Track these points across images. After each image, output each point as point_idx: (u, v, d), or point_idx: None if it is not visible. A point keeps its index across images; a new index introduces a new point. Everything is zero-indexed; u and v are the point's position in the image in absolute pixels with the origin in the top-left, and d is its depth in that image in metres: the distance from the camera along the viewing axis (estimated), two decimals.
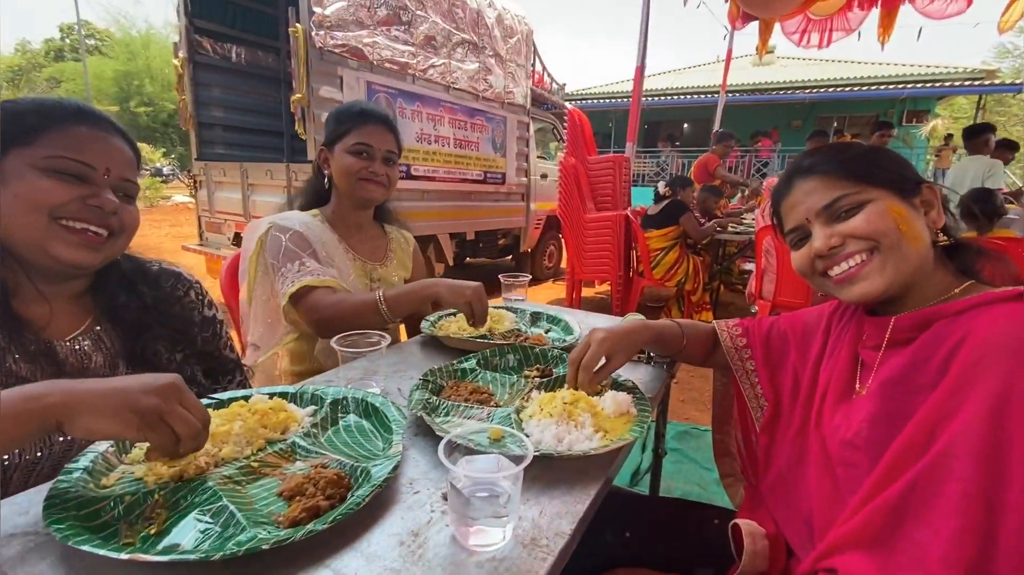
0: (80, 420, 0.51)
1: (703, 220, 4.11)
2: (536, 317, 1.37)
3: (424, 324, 1.24)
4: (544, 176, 5.89)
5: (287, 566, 0.49)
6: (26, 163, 0.69)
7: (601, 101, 15.34)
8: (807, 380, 0.85)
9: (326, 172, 1.35)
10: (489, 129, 4.78)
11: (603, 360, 0.87)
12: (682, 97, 14.20)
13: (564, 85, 6.36)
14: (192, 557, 0.46)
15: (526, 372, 1.00)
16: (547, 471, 0.67)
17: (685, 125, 15.92)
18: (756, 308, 3.42)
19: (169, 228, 9.83)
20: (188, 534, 0.51)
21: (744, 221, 4.49)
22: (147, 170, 20.78)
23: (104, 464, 0.61)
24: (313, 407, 0.79)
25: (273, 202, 3.76)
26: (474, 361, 1.01)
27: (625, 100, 14.06)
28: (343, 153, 1.29)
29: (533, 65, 5.40)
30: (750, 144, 11.86)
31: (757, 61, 16.29)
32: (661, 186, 4.13)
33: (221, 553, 0.46)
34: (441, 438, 0.71)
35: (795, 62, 15.81)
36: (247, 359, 1.32)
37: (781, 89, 13.38)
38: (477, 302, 1.11)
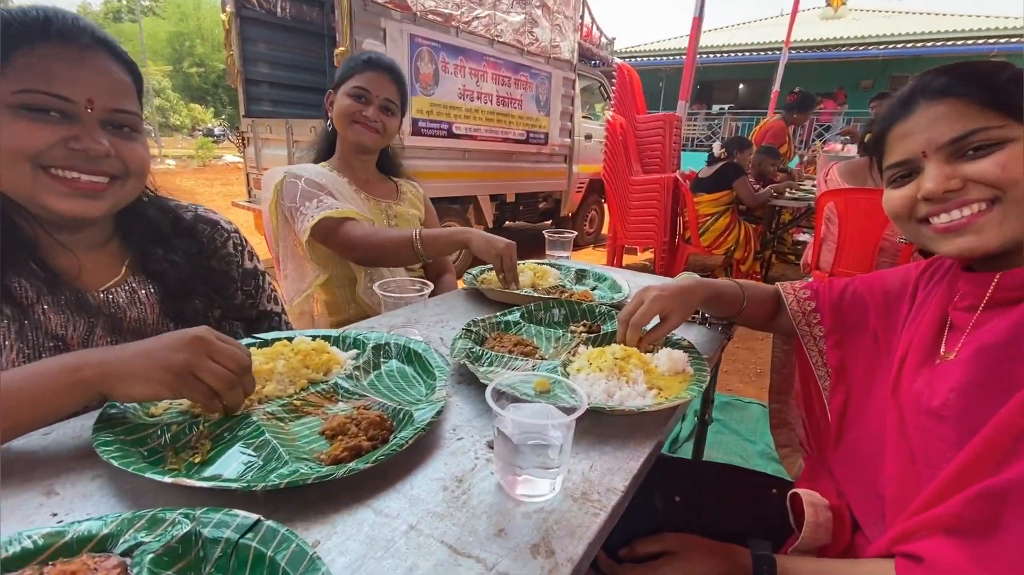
0: (119, 388, 0.51)
1: (758, 185, 3.87)
2: (581, 274, 1.32)
3: (467, 277, 1.21)
4: (588, 137, 5.67)
5: (328, 503, 0.48)
6: (1, 102, 0.60)
7: (651, 59, 14.55)
8: (890, 346, 0.76)
9: (329, 115, 1.36)
10: (533, 86, 4.61)
11: (656, 319, 0.81)
12: (738, 55, 13.29)
13: (614, 40, 6.02)
14: (235, 486, 0.45)
15: (572, 328, 0.95)
16: (597, 426, 0.63)
17: (740, 85, 14.98)
18: (812, 280, 3.23)
19: (220, 187, 10.19)
20: (231, 465, 0.51)
21: (803, 186, 4.20)
22: (199, 130, 21.45)
23: None
24: (355, 351, 0.78)
25: None
26: (518, 314, 0.97)
27: (677, 58, 13.30)
28: (343, 95, 1.30)
29: (581, 17, 5.12)
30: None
31: (827, 14, 14.99)
32: (716, 147, 3.89)
33: (263, 484, 0.45)
34: (485, 386, 0.69)
35: (868, 15, 14.44)
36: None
37: (851, 45, 12.25)
38: (508, 257, 1.10)
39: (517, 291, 1.09)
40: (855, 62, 12.37)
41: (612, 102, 4.60)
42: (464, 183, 4.21)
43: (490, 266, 1.31)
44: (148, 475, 0.45)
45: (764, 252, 4.18)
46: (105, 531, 0.40)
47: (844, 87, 11.96)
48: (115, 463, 0.47)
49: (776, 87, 7.49)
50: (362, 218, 1.23)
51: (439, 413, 0.59)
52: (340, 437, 0.55)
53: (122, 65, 0.68)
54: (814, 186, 4.67)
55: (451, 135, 3.97)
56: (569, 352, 0.82)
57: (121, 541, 0.39)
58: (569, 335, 0.92)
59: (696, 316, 1.05)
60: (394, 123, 1.36)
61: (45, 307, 0.66)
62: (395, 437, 0.56)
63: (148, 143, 0.73)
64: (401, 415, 0.60)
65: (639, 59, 14.63)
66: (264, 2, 4.38)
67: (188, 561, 0.39)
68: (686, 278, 0.94)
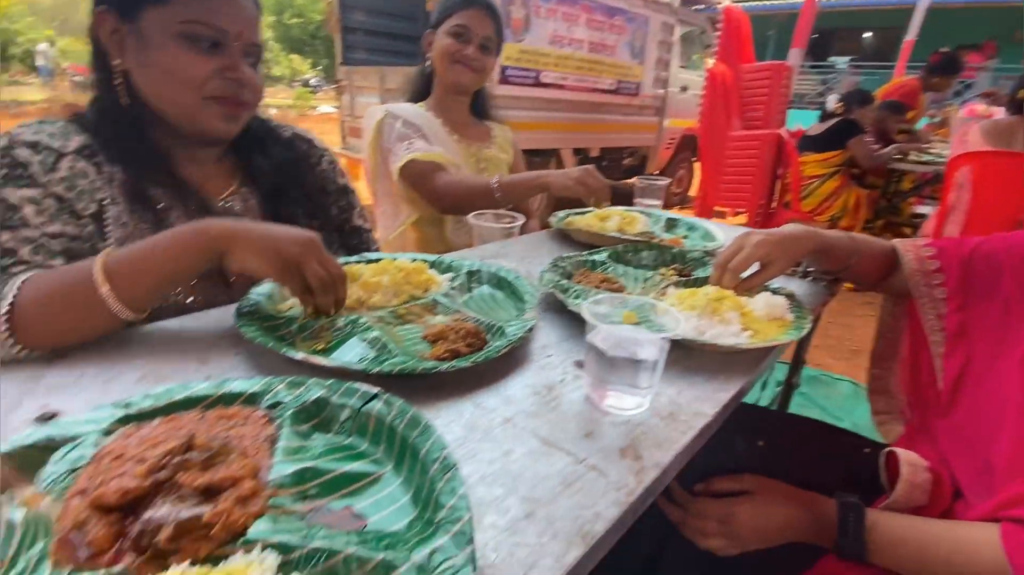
0: (236, 254, 0.58)
1: (878, 145, 3.45)
2: (672, 223, 1.27)
3: (553, 219, 1.22)
4: (684, 89, 5.30)
5: (432, 393, 0.52)
6: (165, 29, 0.67)
7: (763, 3, 13.11)
8: (1022, 311, 0.68)
9: (428, 57, 1.35)
10: (628, 31, 4.34)
11: (755, 267, 0.77)
12: None
13: None
14: (355, 368, 0.50)
15: (662, 271, 0.94)
16: (685, 359, 0.63)
17: (865, 35, 13.17)
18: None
19: (317, 135, 10.74)
20: (350, 353, 0.57)
21: (932, 149, 3.69)
22: (298, 81, 22.57)
23: (280, 294, 0.70)
24: (450, 274, 0.82)
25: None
26: (605, 254, 0.96)
27: (794, 2, 11.88)
28: (443, 35, 1.29)
29: None
30: None
31: None
32: (831, 101, 3.47)
33: (379, 368, 0.50)
34: (571, 315, 0.70)
35: None
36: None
37: None
38: (590, 177, 1.09)
39: (604, 233, 1.08)
40: (1012, 8, 10.36)
41: (715, 50, 4.24)
42: (548, 135, 4.12)
43: (576, 211, 1.30)
44: (283, 351, 0.52)
45: (876, 222, 3.78)
46: (254, 389, 0.47)
47: (995, 37, 10.14)
48: (256, 340, 0.54)
49: (910, 36, 6.51)
50: (448, 162, 1.25)
51: (530, 330, 0.62)
52: (440, 341, 0.60)
53: None
54: (945, 151, 4.09)
55: (538, 84, 3.87)
56: (658, 293, 0.81)
57: (265, 398, 0.46)
58: (658, 277, 0.90)
59: (798, 269, 0.98)
60: (492, 62, 1.35)
61: (176, 214, 0.75)
62: (490, 347, 0.59)
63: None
64: (494, 329, 0.63)
65: (749, 3, 13.24)
66: None
67: (319, 420, 0.45)
68: (793, 226, 0.88)
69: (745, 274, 0.77)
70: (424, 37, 1.36)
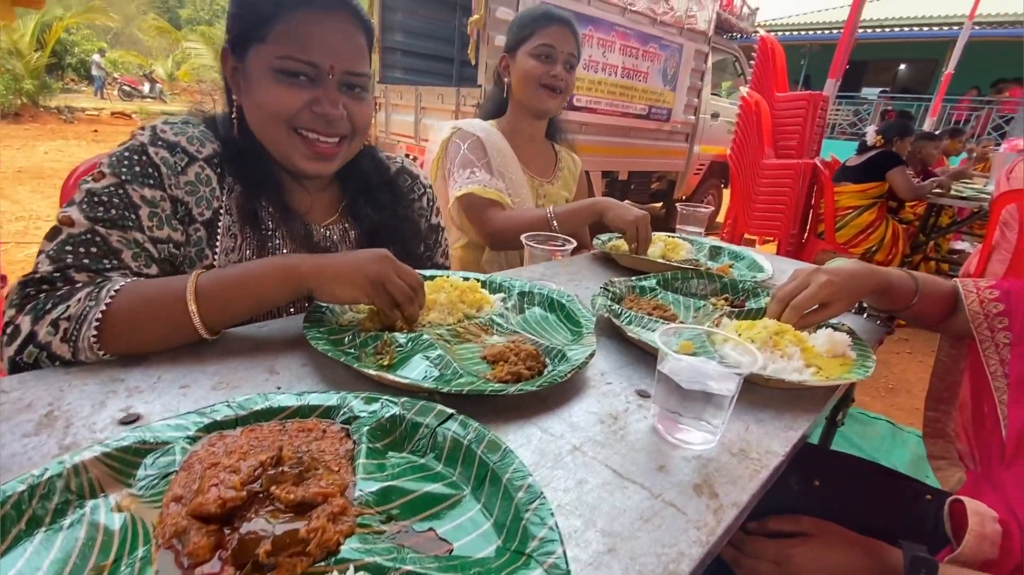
0: (326, 287, 0.61)
1: (918, 178, 3.38)
2: (716, 251, 1.26)
3: (596, 242, 1.22)
4: (715, 115, 5.30)
5: (496, 416, 0.52)
6: (263, 66, 0.69)
7: (795, 34, 13.11)
8: None
9: (506, 80, 1.34)
10: (662, 58, 4.38)
11: (816, 305, 0.75)
12: (902, 30, 11.51)
13: (757, 10, 5.50)
14: (425, 386, 0.51)
15: (713, 300, 0.93)
16: (748, 394, 0.62)
17: (901, 67, 13.03)
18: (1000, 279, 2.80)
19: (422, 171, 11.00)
20: (416, 370, 0.57)
21: (973, 183, 3.60)
22: None
23: (340, 307, 0.71)
24: (502, 294, 0.83)
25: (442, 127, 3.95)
26: (654, 281, 0.96)
27: (824, 33, 11.86)
28: (525, 56, 1.27)
29: None
30: (991, 93, 9.30)
31: None
32: (870, 134, 3.43)
33: (449, 387, 0.50)
34: (625, 342, 0.70)
35: None
36: None
37: None
38: (643, 227, 1.09)
39: (650, 259, 1.07)
40: None
41: (748, 77, 4.24)
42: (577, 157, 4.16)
43: (617, 235, 1.30)
44: (356, 367, 0.53)
45: (913, 256, 3.68)
46: (330, 403, 0.47)
47: None
48: (328, 353, 0.55)
49: (949, 69, 6.43)
50: (505, 202, 1.23)
51: (592, 355, 0.61)
52: (501, 363, 0.60)
53: (360, 25, 0.74)
54: (986, 186, 3.99)
55: (570, 107, 3.92)
56: (712, 322, 0.80)
57: (342, 413, 0.47)
58: (710, 306, 0.89)
59: (860, 300, 0.96)
60: (573, 79, 1.32)
61: (280, 236, 0.77)
62: (551, 370, 0.59)
63: (371, 101, 0.81)
64: (553, 353, 0.63)
65: (782, 33, 13.25)
66: None
67: (394, 438, 0.45)
68: (853, 263, 0.86)
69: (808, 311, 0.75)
70: (500, 60, 1.34)
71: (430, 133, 1.40)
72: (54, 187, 5.23)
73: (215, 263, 0.72)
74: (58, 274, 0.59)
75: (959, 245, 4.62)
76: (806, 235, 3.78)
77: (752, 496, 0.45)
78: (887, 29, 11.72)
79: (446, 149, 1.30)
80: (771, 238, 3.99)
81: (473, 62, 3.51)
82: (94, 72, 16.00)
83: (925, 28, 11.17)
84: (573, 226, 1.18)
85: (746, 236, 4.10)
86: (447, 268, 1.05)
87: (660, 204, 5.68)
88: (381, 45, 4.64)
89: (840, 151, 5.27)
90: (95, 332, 0.53)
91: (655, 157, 4.87)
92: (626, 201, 5.36)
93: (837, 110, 11.30)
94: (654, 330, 0.78)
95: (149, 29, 14.02)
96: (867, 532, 0.67)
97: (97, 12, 11.89)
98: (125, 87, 16.36)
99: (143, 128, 0.70)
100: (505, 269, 1.09)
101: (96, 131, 9.66)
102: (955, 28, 7.26)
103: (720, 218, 5.60)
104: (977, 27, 8.09)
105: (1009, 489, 0.72)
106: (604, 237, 1.25)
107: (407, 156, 4.63)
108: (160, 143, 0.68)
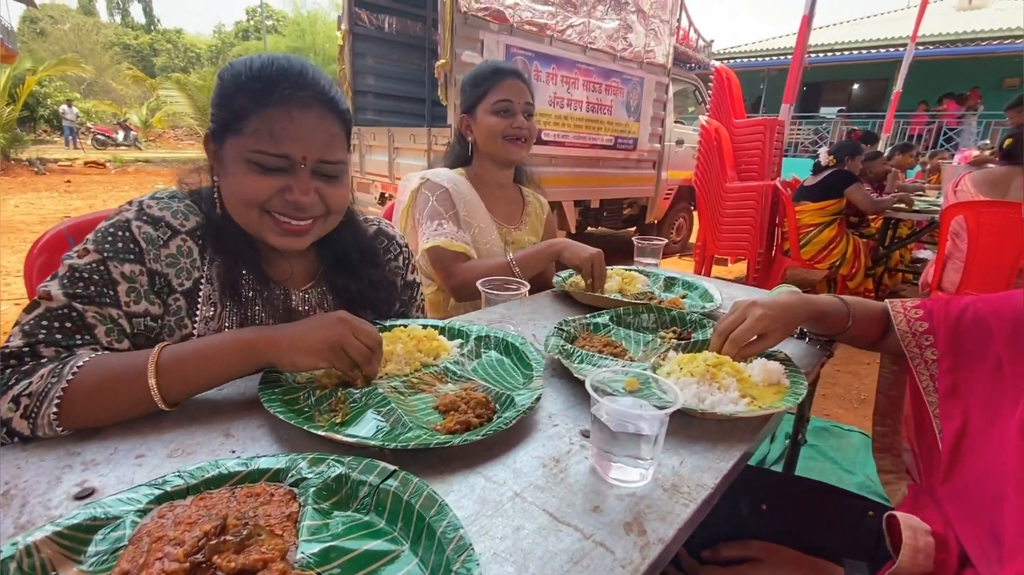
0: (285, 359, 0.64)
1: (876, 193, 3.56)
2: (670, 282, 1.32)
3: (556, 279, 1.27)
4: (680, 142, 5.52)
5: (444, 466, 0.55)
6: (238, 155, 0.71)
7: (753, 60, 13.76)
8: (1017, 378, 0.71)
9: (469, 139, 1.39)
10: (624, 91, 4.58)
11: (755, 336, 0.81)
12: (852, 53, 12.19)
13: (712, 42, 5.80)
14: (372, 443, 0.54)
15: (662, 334, 0.97)
16: (687, 428, 0.66)
17: (855, 86, 13.73)
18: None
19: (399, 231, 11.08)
20: (366, 426, 0.60)
21: (925, 196, 3.79)
22: None
23: None
24: (459, 340, 0.86)
25: (415, 165, 4.04)
26: (607, 317, 1.00)
27: (780, 58, 12.47)
28: (485, 114, 1.32)
29: (678, 21, 5.01)
30: (936, 108, 9.85)
31: (963, 4, 13.32)
32: (823, 154, 3.62)
33: (395, 444, 0.53)
34: (576, 381, 0.73)
35: (1016, 5, 12.60)
36: None
37: (992, 39, 10.78)
38: (597, 263, 1.14)
39: (605, 295, 1.12)
40: (998, 57, 10.85)
41: (707, 106, 4.44)
42: (549, 188, 4.20)
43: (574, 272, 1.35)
44: (307, 428, 0.56)
45: (876, 269, 3.83)
46: (278, 466, 0.50)
47: (981, 86, 10.55)
48: (280, 416, 0.58)
49: (898, 87, 6.81)
50: (468, 253, 1.26)
51: (538, 399, 0.65)
52: (452, 412, 0.63)
53: (336, 115, 0.75)
54: (938, 198, 4.20)
55: (539, 142, 4.05)
56: (659, 356, 0.84)
57: (290, 475, 0.49)
58: (659, 340, 0.94)
59: (795, 330, 1.02)
60: (535, 126, 1.38)
61: (259, 305, 0.80)
62: (499, 417, 0.62)
63: (347, 182, 0.83)
64: (503, 399, 0.66)
65: (739, 61, 13.90)
66: (374, 19, 4.76)
67: (340, 497, 0.48)
68: (787, 293, 0.92)
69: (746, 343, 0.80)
70: (460, 121, 1.39)
71: (403, 174, 1.42)
72: (24, 241, 5.17)
73: (195, 332, 0.75)
74: (27, 349, 0.61)
75: (922, 254, 4.81)
76: (774, 253, 3.91)
77: (680, 530, 0.48)
78: (838, 52, 12.39)
79: (415, 200, 1.34)
80: (741, 257, 4.12)
81: (444, 102, 3.63)
82: (64, 123, 15.97)
83: (873, 51, 11.84)
84: (534, 269, 1.23)
85: (717, 256, 4.23)
86: None
87: (633, 228, 5.82)
88: (353, 89, 4.77)
89: (801, 169, 5.48)
90: (55, 409, 0.55)
91: (625, 185, 5.02)
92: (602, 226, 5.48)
93: (798, 130, 11.80)
94: (604, 367, 0.82)
95: (124, 78, 14.14)
96: (813, 551, 0.71)
97: (69, 64, 11.97)
98: (99, 136, 16.34)
99: (131, 203, 0.73)
100: (471, 312, 1.13)
101: (69, 182, 9.60)
102: (900, 49, 7.72)
103: (693, 238, 5.75)
104: (920, 47, 8.60)
105: (945, 501, 0.76)
106: (564, 274, 1.30)
107: (383, 195, 4.66)
108: (145, 218, 0.71)
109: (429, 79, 4.87)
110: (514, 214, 1.49)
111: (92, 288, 0.66)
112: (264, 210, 0.74)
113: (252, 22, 32.72)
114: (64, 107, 16.11)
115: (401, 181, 1.43)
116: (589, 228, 5.76)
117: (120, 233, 0.69)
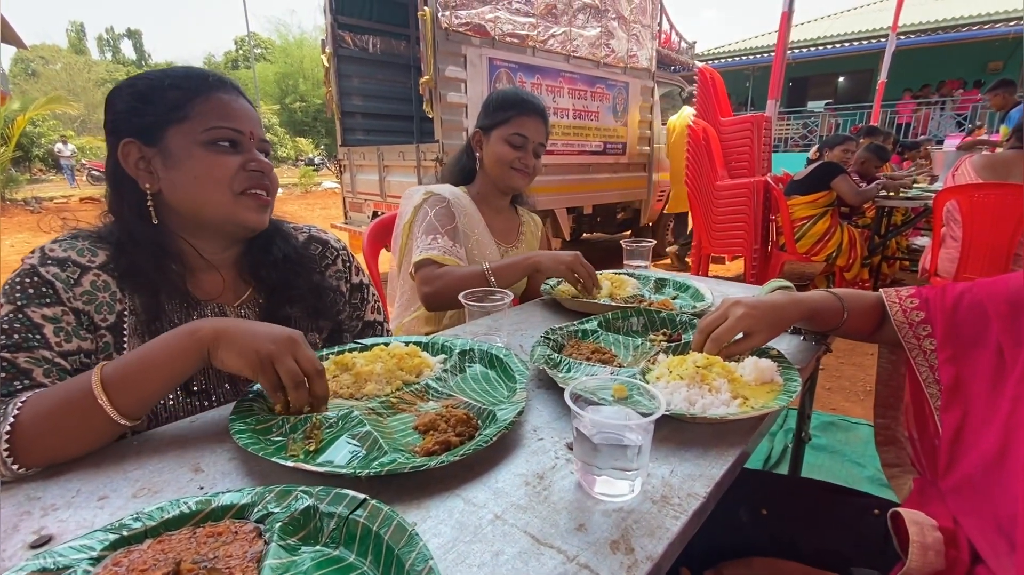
0: (220, 352, 0.61)
1: (863, 183, 3.55)
2: (661, 284, 1.30)
3: (544, 287, 1.24)
4: None
5: (422, 490, 0.52)
6: (190, 142, 0.73)
7: (737, 59, 13.86)
8: (1018, 363, 0.68)
9: (478, 154, 1.41)
10: (610, 97, 4.60)
11: (739, 335, 0.78)
12: (835, 47, 12.28)
13: (694, 43, 5.84)
14: (344, 471, 0.51)
15: (651, 336, 0.95)
16: (678, 433, 0.63)
17: (840, 79, 13.83)
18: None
19: (320, 210, 11.16)
20: (340, 453, 0.57)
21: (916, 184, 3.78)
22: (301, 160, 23.66)
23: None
24: (443, 355, 0.84)
25: (405, 182, 4.05)
26: (595, 323, 0.98)
27: (765, 56, 12.57)
28: (500, 140, 1.35)
29: (660, 25, 5.04)
30: (932, 94, 9.92)
31: None
32: (811, 152, 3.63)
33: (367, 471, 0.51)
34: (563, 391, 0.71)
35: None
36: (392, 321, 1.44)
37: (973, 24, 10.85)
38: (579, 266, 1.12)
39: (593, 300, 1.10)
40: (981, 42, 10.93)
41: (694, 106, 4.46)
42: (540, 197, 4.25)
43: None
44: (274, 459, 0.53)
45: (872, 258, 3.81)
46: (243, 501, 0.47)
47: (967, 72, 10.62)
48: (248, 448, 0.55)
49: (883, 77, 6.84)
50: (456, 264, 1.25)
51: (520, 413, 0.62)
52: (431, 432, 0.60)
53: (250, 104, 0.83)
54: (931, 184, 4.19)
55: None
56: (648, 360, 0.82)
57: (256, 510, 0.46)
58: (648, 343, 0.91)
59: (786, 329, 0.99)
60: (540, 165, 1.42)
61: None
62: (480, 434, 0.60)
63: None
64: (485, 414, 0.64)
65: (723, 60, 14.01)
66: (358, 40, 4.80)
67: (308, 531, 0.45)
68: (778, 292, 0.90)
69: (730, 341, 0.78)
70: (473, 135, 1.41)
71: (401, 193, 1.43)
72: None
73: None
74: None
75: (919, 241, 4.79)
76: (770, 248, 3.89)
77: (670, 546, 0.46)
78: (822, 47, 12.48)
79: (416, 213, 1.34)
80: (738, 254, 4.10)
81: (430, 114, 3.64)
82: (62, 161, 16.06)
83: (856, 43, 11.93)
84: (510, 279, 1.21)
85: (713, 256, 4.21)
86: (382, 323, 1.06)
87: (628, 231, 5.82)
88: (340, 111, 4.79)
89: (793, 163, 5.49)
90: (7, 446, 0.53)
91: (617, 189, 5.02)
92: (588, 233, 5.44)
93: (787, 125, 11.86)
94: (593, 375, 0.80)
95: None
96: (818, 555, 0.67)
97: (59, 102, 12.04)
98: (94, 172, 16.43)
99: (32, 252, 0.71)
100: (466, 317, 1.10)
101: (64, 219, 9.57)
102: (882, 40, 7.76)
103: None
104: (902, 36, 8.66)
105: (948, 495, 0.73)
106: (552, 282, 1.28)
107: (375, 213, 4.68)
108: (50, 261, 0.69)
109: (415, 96, 4.89)
110: (511, 233, 1.51)
111: (16, 336, 0.64)
112: (238, 193, 0.77)
113: (241, 51, 33.13)
114: (59, 145, 16.20)
115: (404, 196, 1.43)
116: (584, 235, 5.76)
117: (29, 279, 0.67)
